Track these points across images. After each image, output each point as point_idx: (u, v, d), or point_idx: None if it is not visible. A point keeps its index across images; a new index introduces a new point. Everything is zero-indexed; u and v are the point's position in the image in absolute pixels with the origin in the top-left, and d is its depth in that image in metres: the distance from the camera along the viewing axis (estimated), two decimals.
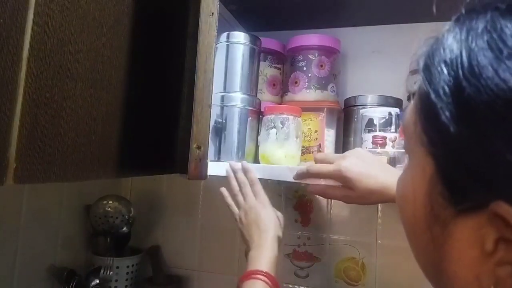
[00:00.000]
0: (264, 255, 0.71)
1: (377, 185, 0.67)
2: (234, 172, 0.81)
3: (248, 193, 0.79)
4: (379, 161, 0.73)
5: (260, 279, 0.67)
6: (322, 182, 0.74)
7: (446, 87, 0.27)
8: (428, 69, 0.30)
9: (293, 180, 0.77)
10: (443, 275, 0.30)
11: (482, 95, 0.25)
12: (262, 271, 0.68)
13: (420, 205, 0.31)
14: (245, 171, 0.81)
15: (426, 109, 0.29)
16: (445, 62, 0.28)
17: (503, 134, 0.25)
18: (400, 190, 0.35)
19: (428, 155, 0.30)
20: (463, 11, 0.30)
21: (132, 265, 1.07)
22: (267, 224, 0.75)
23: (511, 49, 0.26)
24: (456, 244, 0.29)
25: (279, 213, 0.80)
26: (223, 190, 0.84)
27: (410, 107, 0.33)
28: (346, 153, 0.74)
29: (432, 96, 0.28)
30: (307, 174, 0.74)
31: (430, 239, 0.31)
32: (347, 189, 0.70)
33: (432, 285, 0.33)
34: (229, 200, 0.82)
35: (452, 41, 0.29)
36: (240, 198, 0.80)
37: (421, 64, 0.31)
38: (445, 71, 0.28)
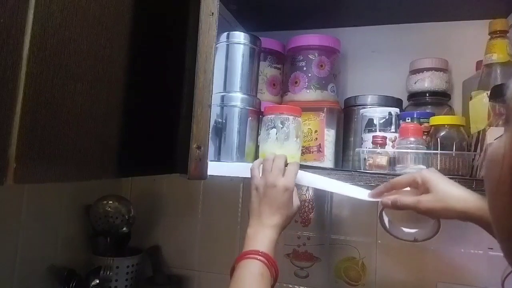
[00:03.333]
0: (264, 234, 0.67)
1: (459, 191, 0.62)
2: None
3: (279, 166, 0.72)
4: None
5: (257, 259, 0.64)
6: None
7: None
8: None
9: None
10: None
11: None
12: (259, 251, 0.65)
13: (507, 167, 0.32)
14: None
15: None
16: None
17: None
18: (491, 152, 0.36)
19: None
20: None
21: (132, 265, 1.07)
22: (280, 209, 0.70)
23: None
24: None
25: (298, 202, 0.74)
26: (259, 159, 0.78)
27: None
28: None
29: None
30: (385, 190, 0.70)
31: (510, 202, 0.31)
32: (421, 194, 0.66)
33: (503, 249, 0.34)
34: (257, 163, 0.76)
35: None
36: (268, 164, 0.74)
37: None
38: None
